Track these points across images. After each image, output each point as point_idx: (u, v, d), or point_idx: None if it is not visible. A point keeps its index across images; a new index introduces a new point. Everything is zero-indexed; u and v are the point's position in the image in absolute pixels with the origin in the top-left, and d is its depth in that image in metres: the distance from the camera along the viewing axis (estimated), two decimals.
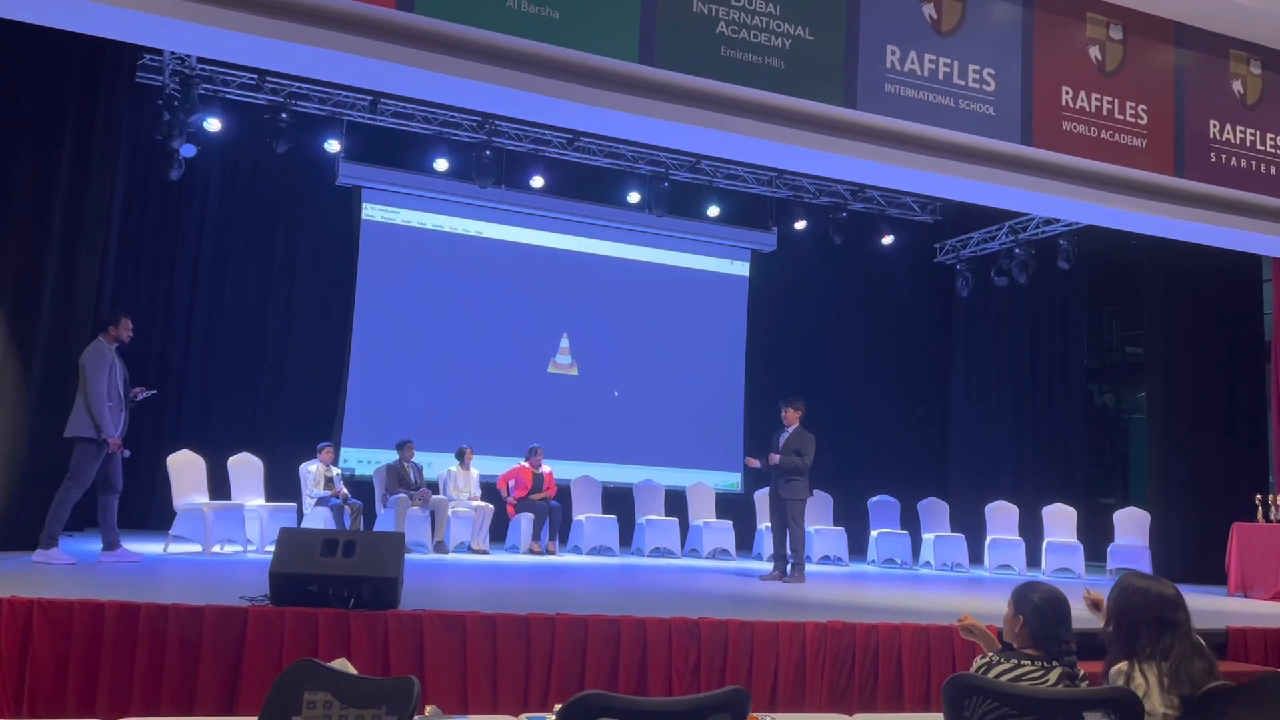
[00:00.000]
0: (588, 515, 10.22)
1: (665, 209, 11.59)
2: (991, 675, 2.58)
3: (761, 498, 10.92)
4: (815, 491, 11.09)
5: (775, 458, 8.18)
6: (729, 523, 10.47)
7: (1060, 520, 10.86)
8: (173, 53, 9.22)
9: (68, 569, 6.21)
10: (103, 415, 6.61)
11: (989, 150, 6.42)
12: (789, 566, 8.16)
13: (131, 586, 5.29)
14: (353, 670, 2.51)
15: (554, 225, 12.07)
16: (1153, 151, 6.69)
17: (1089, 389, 14.70)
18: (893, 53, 6.06)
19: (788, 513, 8.16)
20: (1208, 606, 7.72)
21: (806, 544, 10.63)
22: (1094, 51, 6.60)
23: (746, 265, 13.01)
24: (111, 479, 6.89)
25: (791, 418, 8.27)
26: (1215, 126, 6.83)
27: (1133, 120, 6.65)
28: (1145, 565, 10.47)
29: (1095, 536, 11.06)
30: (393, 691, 2.21)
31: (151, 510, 9.34)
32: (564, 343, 12.05)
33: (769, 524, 8.73)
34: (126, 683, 4.08)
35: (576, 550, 10.11)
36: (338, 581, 4.44)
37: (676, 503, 10.74)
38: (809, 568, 10.10)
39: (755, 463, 8.34)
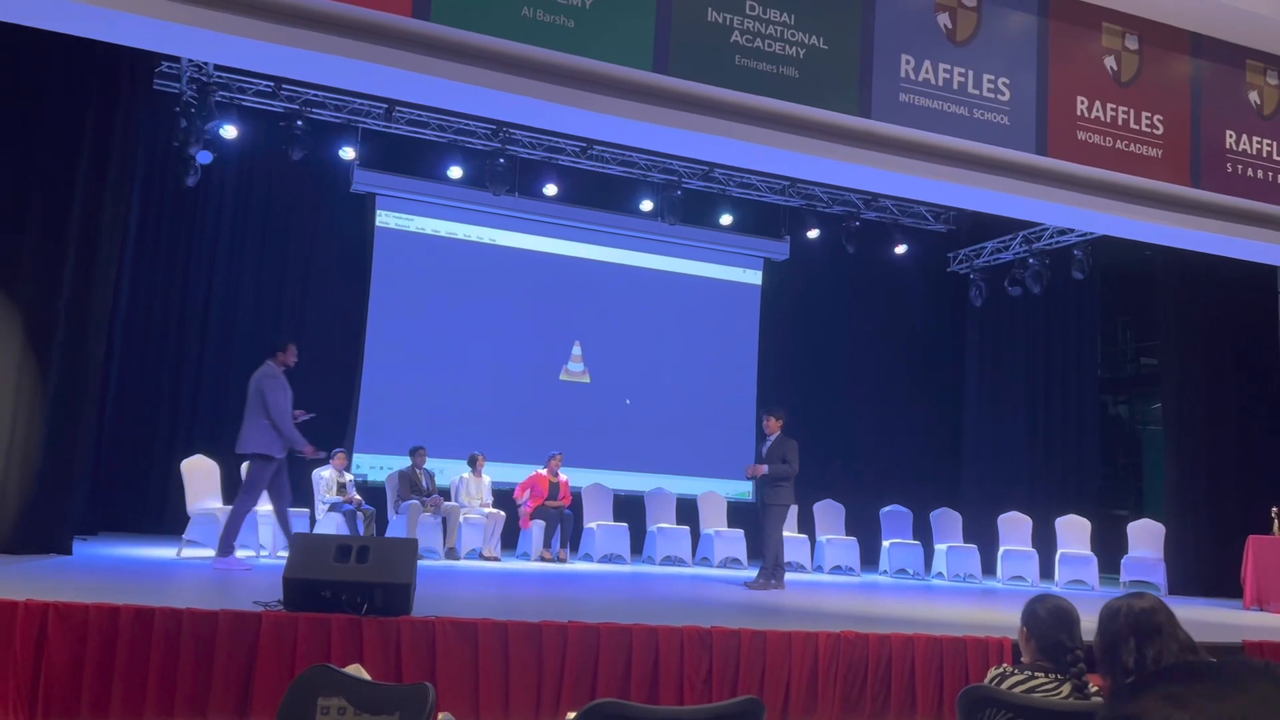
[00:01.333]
0: (599, 523, 10.21)
1: (678, 217, 11.60)
2: (1005, 686, 2.57)
3: None
4: (827, 500, 11.14)
5: (763, 468, 8.27)
6: (740, 531, 10.46)
7: (1074, 532, 10.80)
8: (190, 60, 9.28)
9: (246, 574, 6.68)
10: (291, 431, 7.18)
11: (1003, 160, 6.41)
12: (758, 572, 8.21)
13: (146, 591, 5.32)
14: (366, 676, 2.52)
15: (567, 233, 12.09)
16: (1168, 162, 6.66)
17: (1103, 400, 14.64)
18: (907, 62, 6.06)
19: (764, 519, 8.29)
20: (1223, 620, 7.66)
21: (819, 553, 10.69)
22: (1110, 61, 6.58)
23: (759, 274, 13.01)
24: (282, 491, 7.37)
25: (773, 426, 8.42)
26: (1231, 137, 6.80)
27: (1148, 130, 6.63)
28: (1160, 578, 10.41)
29: (1109, 548, 11.00)
30: (407, 697, 2.22)
31: (165, 515, 9.38)
32: (576, 350, 12.06)
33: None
34: (140, 686, 4.09)
35: (588, 558, 10.10)
36: (351, 587, 4.45)
37: (688, 511, 10.73)
38: (822, 578, 10.10)
39: (762, 469, 8.34)
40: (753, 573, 8.53)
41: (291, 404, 7.28)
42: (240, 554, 7.40)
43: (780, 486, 8.26)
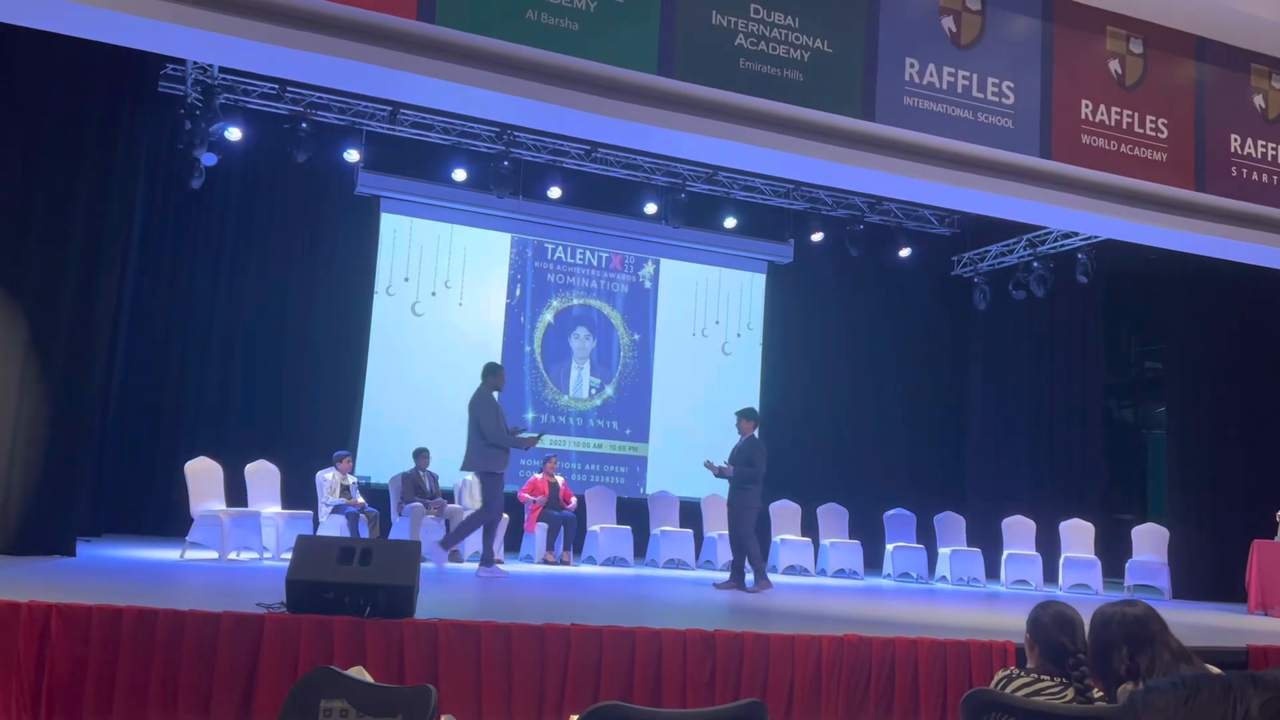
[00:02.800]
0: (602, 526, 10.21)
1: (682, 220, 11.60)
2: (1010, 689, 2.56)
3: (778, 509, 10.91)
4: (831, 504, 11.13)
5: (730, 469, 8.28)
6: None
7: (1078, 536, 10.78)
8: (195, 63, 9.30)
9: (506, 582, 7.43)
10: (508, 441, 7.72)
11: (1008, 163, 6.40)
12: (729, 575, 8.25)
13: (149, 592, 5.32)
14: (369, 679, 2.52)
15: (571, 235, 12.10)
16: (1173, 165, 6.66)
17: (1107, 404, 14.60)
18: (911, 65, 6.06)
19: (731, 519, 8.33)
20: (1228, 625, 7.64)
21: (823, 557, 10.68)
22: (1114, 65, 6.58)
23: (763, 277, 13.00)
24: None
25: (745, 428, 8.45)
26: (1236, 141, 6.80)
27: (1153, 134, 6.62)
28: (1164, 582, 10.39)
29: (1113, 552, 10.98)
30: (409, 700, 2.21)
31: (169, 517, 9.39)
32: (581, 372, 12.08)
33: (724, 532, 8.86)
34: (143, 688, 4.09)
35: (591, 561, 10.09)
36: (354, 589, 4.44)
37: (691, 514, 10.72)
38: (825, 581, 10.09)
39: (714, 468, 8.34)
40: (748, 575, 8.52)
41: (504, 420, 7.86)
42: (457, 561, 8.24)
43: (747, 489, 8.29)
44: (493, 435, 7.61)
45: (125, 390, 9.51)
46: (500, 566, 7.84)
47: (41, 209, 7.30)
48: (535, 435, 8.18)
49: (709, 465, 8.37)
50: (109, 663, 4.08)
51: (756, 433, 8.58)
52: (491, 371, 7.94)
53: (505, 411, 11.13)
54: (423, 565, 7.02)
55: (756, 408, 12.46)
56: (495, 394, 7.86)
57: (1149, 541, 10.64)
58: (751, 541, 8.24)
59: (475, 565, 9.04)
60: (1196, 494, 10.88)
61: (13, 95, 7.31)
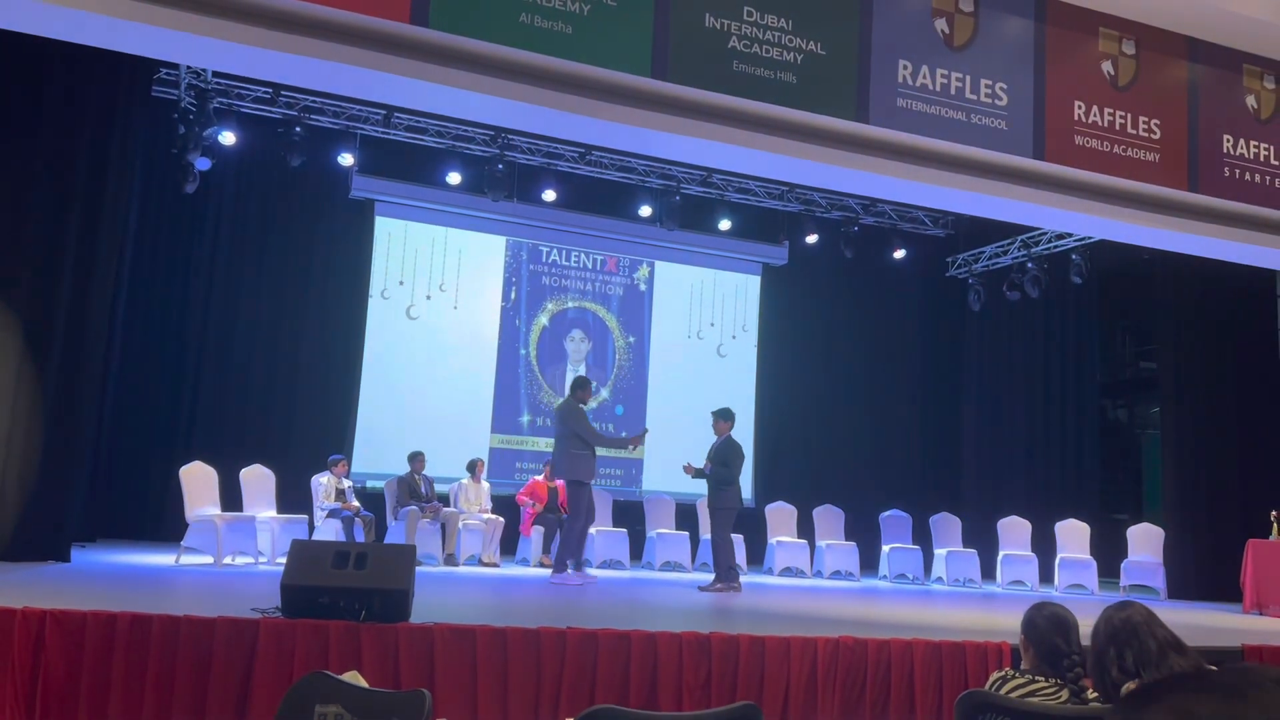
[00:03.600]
0: (598, 529, 10.19)
1: (677, 223, 11.61)
2: (1005, 690, 2.57)
3: (773, 511, 10.91)
4: (827, 506, 11.14)
5: (708, 467, 8.30)
6: (740, 537, 10.40)
7: (1073, 536, 10.79)
8: (188, 67, 9.29)
9: (579, 589, 7.53)
10: (608, 439, 8.28)
11: (1001, 165, 6.42)
12: (714, 578, 8.21)
13: (144, 598, 5.31)
14: (364, 683, 2.51)
15: (566, 238, 12.11)
16: (1166, 166, 6.67)
17: (1102, 404, 14.63)
18: (905, 67, 6.07)
19: (713, 522, 8.33)
20: (1223, 624, 7.65)
21: (819, 558, 10.68)
22: (1107, 66, 6.60)
23: (758, 279, 13.01)
24: (590, 511, 8.28)
25: (721, 429, 8.45)
26: (1229, 141, 6.81)
27: (1146, 135, 6.64)
28: (1159, 582, 10.41)
29: (1109, 553, 10.99)
30: (404, 704, 2.21)
31: (164, 521, 9.37)
32: (576, 354, 12.08)
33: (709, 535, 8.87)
34: (138, 694, 4.08)
35: (587, 563, 10.07)
36: (349, 594, 4.44)
37: (687, 516, 10.72)
38: (821, 583, 10.09)
39: (691, 470, 8.35)
40: (755, 578, 8.54)
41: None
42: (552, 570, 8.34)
43: (725, 490, 8.30)
44: (594, 439, 8.11)
45: (120, 395, 9.48)
46: (571, 572, 8.00)
47: (36, 214, 7.28)
48: (638, 434, 8.39)
49: (687, 468, 8.36)
50: (104, 669, 4.08)
51: (732, 434, 8.56)
52: (580, 385, 8.35)
53: (502, 413, 11.29)
54: (574, 584, 7.71)
55: (752, 410, 12.55)
56: (583, 406, 8.24)
57: (1144, 541, 10.65)
58: (727, 544, 8.22)
59: (473, 568, 9.05)
60: (1191, 494, 10.90)
61: (4, 101, 7.30)
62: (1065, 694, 2.56)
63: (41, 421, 7.18)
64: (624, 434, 8.25)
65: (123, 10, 4.66)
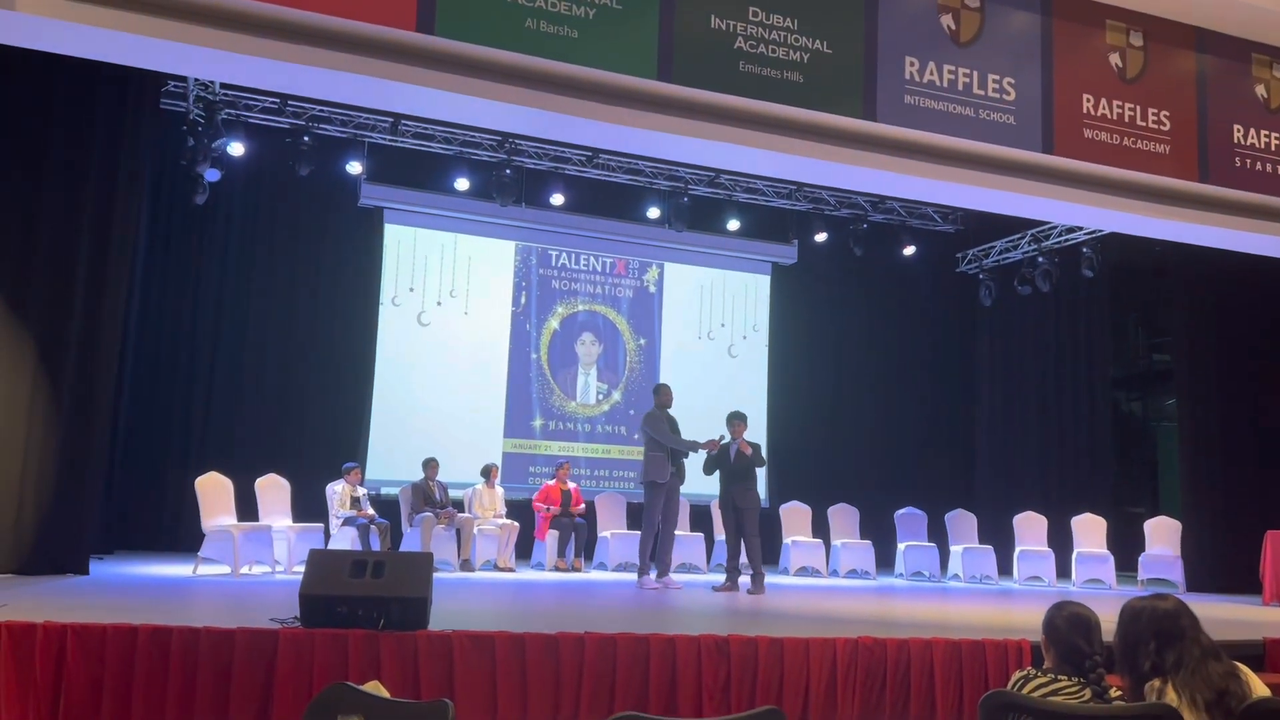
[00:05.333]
0: (613, 532, 10.20)
1: (685, 224, 11.60)
2: (1028, 690, 2.55)
3: (788, 511, 10.89)
4: (841, 504, 11.12)
5: (748, 449, 8.30)
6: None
7: (1090, 531, 10.74)
8: (196, 79, 9.33)
9: (659, 593, 7.70)
10: (685, 444, 8.28)
11: (1010, 160, 6.40)
12: (751, 578, 8.19)
13: (163, 610, 5.33)
14: (385, 693, 2.51)
15: (575, 242, 12.11)
16: (1176, 157, 6.64)
17: (1116, 397, 14.57)
18: (911, 64, 6.06)
19: (744, 523, 8.28)
20: (1243, 617, 7.61)
21: (834, 557, 10.66)
22: (1114, 59, 6.57)
23: (768, 279, 13.00)
24: (669, 515, 8.28)
25: (739, 430, 8.45)
26: (1239, 131, 6.78)
27: (1155, 126, 6.61)
28: (1177, 575, 10.35)
29: (1126, 546, 10.94)
30: (426, 714, 2.21)
31: (180, 533, 9.41)
32: (587, 357, 12.09)
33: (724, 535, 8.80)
34: (159, 706, 4.09)
35: (602, 567, 10.09)
36: (367, 602, 4.44)
37: (702, 518, 10.71)
38: (837, 582, 10.07)
39: (747, 448, 8.34)
40: (771, 578, 8.52)
41: (674, 429, 8.35)
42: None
43: (751, 490, 8.35)
44: (672, 443, 8.22)
45: (134, 408, 9.53)
46: (648, 577, 8.17)
47: (47, 230, 7.32)
48: (710, 441, 8.36)
49: (743, 445, 8.31)
50: (125, 682, 4.09)
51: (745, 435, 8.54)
52: (656, 391, 8.60)
53: (515, 418, 11.31)
54: (651, 588, 7.87)
55: (764, 409, 12.53)
56: (660, 410, 8.38)
57: (1162, 535, 10.60)
58: (748, 545, 8.26)
59: (489, 574, 9.07)
60: (1208, 486, 10.83)
61: (16, 117, 7.34)
62: (1088, 694, 2.55)
63: (58, 436, 7.21)
64: (697, 440, 8.29)
65: (130, 25, 4.68)
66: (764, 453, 8.60)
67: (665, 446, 8.19)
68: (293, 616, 4.53)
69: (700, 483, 9.07)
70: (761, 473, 8.92)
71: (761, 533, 8.47)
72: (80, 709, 4.04)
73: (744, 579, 8.31)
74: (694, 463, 8.54)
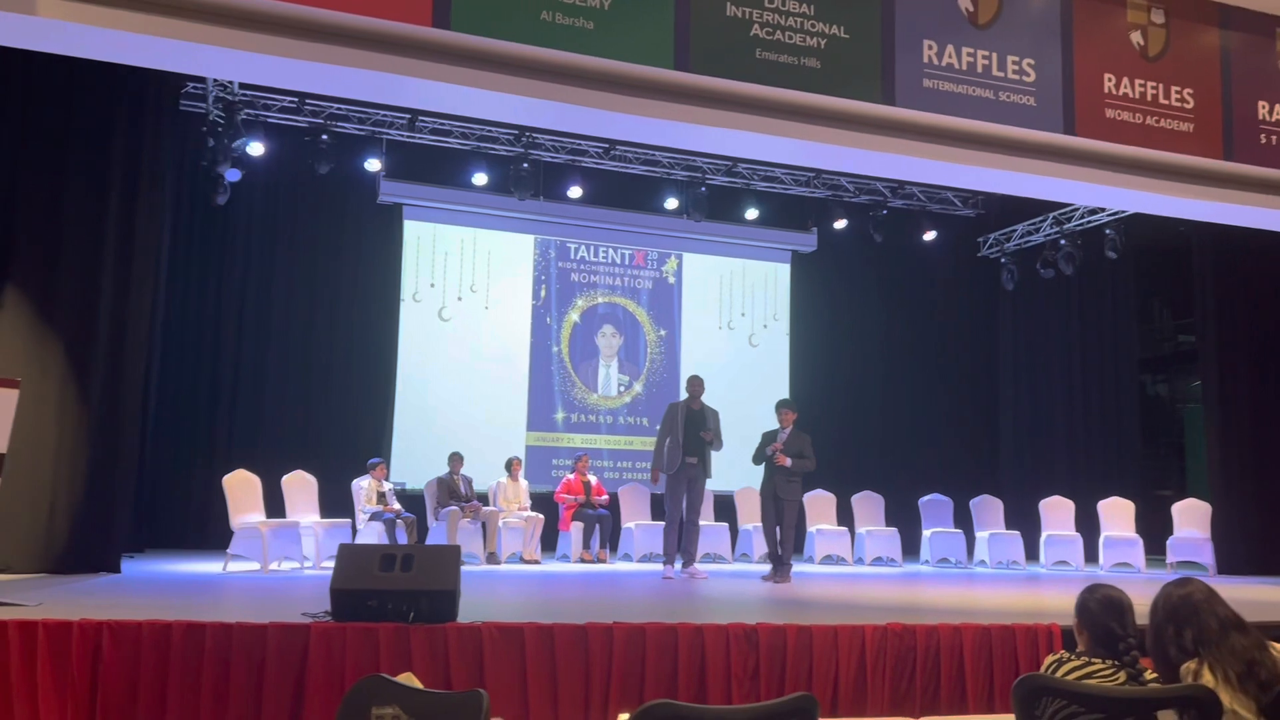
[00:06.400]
0: (637, 523, 10.22)
1: (703, 214, 11.58)
2: (1061, 673, 2.54)
3: (812, 499, 10.86)
4: (866, 492, 11.10)
5: (788, 460, 8.24)
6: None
7: (1117, 514, 10.67)
8: (215, 80, 9.38)
9: (685, 583, 7.76)
10: (657, 455, 8.38)
11: (1032, 141, 6.35)
12: (779, 567, 8.21)
13: (195, 606, 5.38)
14: (419, 685, 2.53)
15: (593, 234, 12.12)
16: (1200, 135, 6.57)
17: (1141, 379, 14.45)
18: (929, 47, 6.02)
19: (785, 513, 8.27)
20: (1275, 598, 7.54)
21: (859, 545, 10.64)
22: (1136, 37, 6.50)
23: (787, 267, 12.96)
24: (693, 501, 8.30)
25: (788, 419, 8.43)
26: (1264, 107, 6.70)
27: (1178, 105, 6.54)
28: (1207, 558, 10.27)
29: (1154, 530, 10.86)
30: (461, 705, 2.23)
31: (209, 530, 9.49)
32: (611, 370, 12.10)
33: (759, 524, 8.84)
34: (194, 701, 4.14)
35: (627, 558, 10.11)
36: (397, 596, 4.48)
37: (725, 508, 10.71)
38: (863, 570, 10.06)
39: (786, 461, 8.29)
40: (796, 567, 8.51)
41: (684, 425, 8.30)
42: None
43: (795, 482, 8.32)
44: (667, 434, 8.31)
45: (161, 407, 9.61)
46: (674, 569, 8.27)
47: (72, 233, 7.39)
48: (655, 470, 8.52)
49: (778, 453, 8.27)
50: (160, 678, 4.14)
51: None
52: (687, 383, 8.63)
53: (537, 411, 11.32)
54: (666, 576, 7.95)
55: (788, 397, 12.48)
56: (687, 403, 8.43)
57: (1191, 517, 10.51)
58: (785, 535, 8.25)
59: (515, 566, 9.11)
60: (1237, 466, 10.72)
61: (39, 123, 7.40)
62: (1123, 676, 2.53)
63: (88, 436, 7.30)
64: (703, 432, 8.26)
65: (150, 28, 4.71)
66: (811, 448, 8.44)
67: (678, 437, 8.19)
68: (323, 611, 4.57)
69: (723, 474, 9.08)
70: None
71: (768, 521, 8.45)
72: (117, 704, 4.09)
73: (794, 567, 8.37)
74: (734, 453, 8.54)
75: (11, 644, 4.04)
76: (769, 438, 8.43)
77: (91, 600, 5.49)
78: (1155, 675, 2.57)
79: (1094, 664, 2.56)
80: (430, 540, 9.19)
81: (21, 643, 4.05)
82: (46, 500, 7.07)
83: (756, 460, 8.46)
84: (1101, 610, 2.67)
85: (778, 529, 8.27)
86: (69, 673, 4.07)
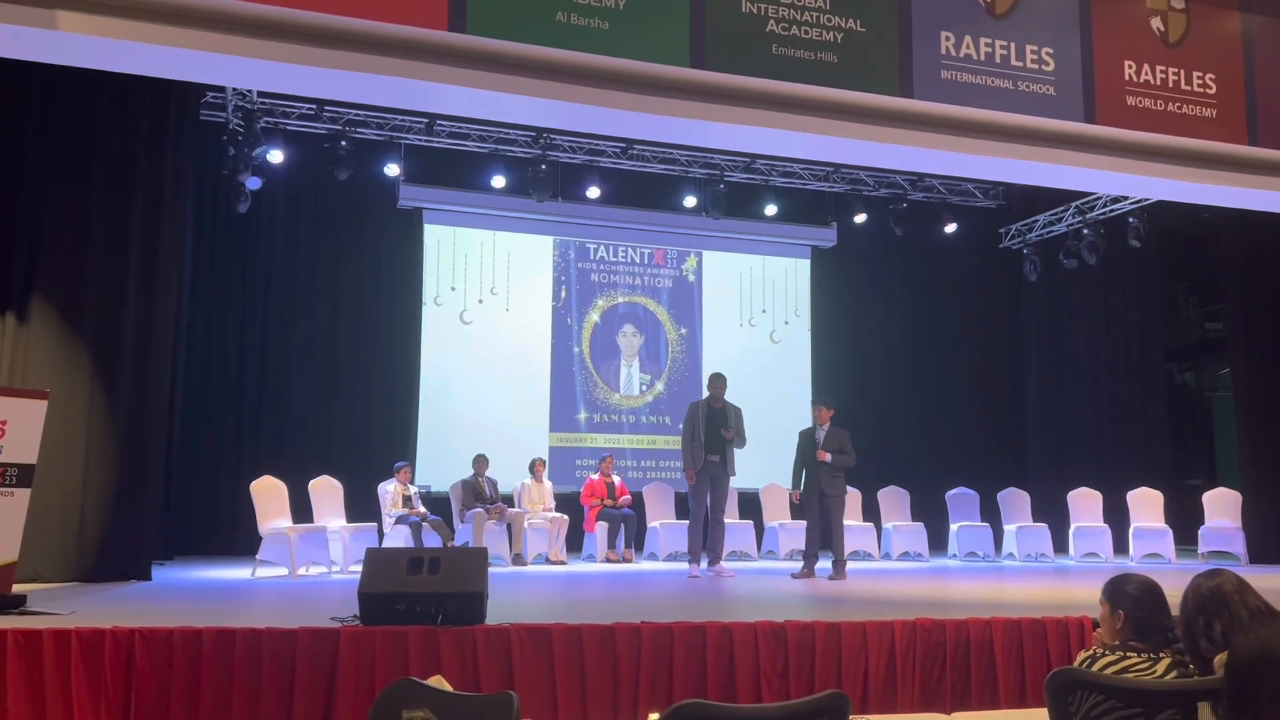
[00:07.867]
0: (662, 522, 10.21)
1: (722, 211, 11.55)
2: (1097, 669, 2.52)
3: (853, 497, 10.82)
4: (891, 487, 11.05)
5: (827, 456, 8.22)
6: (804, 523, 10.36)
7: (1146, 505, 10.57)
8: (235, 89, 9.45)
9: (712, 581, 7.75)
10: (685, 454, 8.29)
11: (1052, 131, 6.31)
12: (832, 564, 8.21)
13: (225, 612, 5.43)
14: (449, 688, 2.53)
15: (612, 234, 12.12)
16: (1223, 121, 6.51)
17: (1168, 368, 14.31)
18: (947, 39, 5.99)
19: (832, 510, 8.26)
20: None
21: (886, 540, 10.60)
22: (1155, 23, 6.44)
23: (808, 262, 12.91)
24: (716, 500, 8.28)
25: (824, 416, 8.44)
26: None
27: (1200, 90, 6.47)
28: (1239, 547, 10.16)
29: (1184, 520, 10.75)
30: (492, 707, 2.23)
31: (237, 536, 9.56)
32: (629, 349, 12.11)
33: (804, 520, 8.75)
34: (226, 707, 4.17)
35: (653, 557, 10.11)
36: (425, 599, 4.49)
37: (751, 505, 10.69)
38: (890, 565, 10.01)
39: (826, 456, 8.26)
40: (824, 563, 8.48)
41: (706, 423, 8.28)
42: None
43: (838, 478, 8.33)
44: (688, 432, 8.31)
45: (187, 415, 9.69)
46: (699, 567, 8.24)
47: (97, 243, 7.45)
48: (689, 469, 8.33)
49: (820, 454, 8.29)
50: (192, 684, 4.17)
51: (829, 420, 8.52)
52: (709, 381, 8.61)
53: (560, 412, 11.34)
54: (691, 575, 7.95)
55: (809, 394, 12.45)
56: (709, 401, 8.41)
57: (1221, 507, 10.39)
58: (834, 532, 8.24)
59: (541, 567, 9.12)
60: (1268, 455, 10.60)
61: (63, 135, 7.48)
62: (1161, 667, 2.51)
63: (116, 446, 7.36)
64: (725, 430, 8.23)
65: (169, 39, 4.75)
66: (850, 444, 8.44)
67: (700, 436, 8.17)
68: (352, 615, 4.59)
69: (746, 471, 9.07)
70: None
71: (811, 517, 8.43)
72: (151, 711, 4.12)
73: (821, 565, 8.31)
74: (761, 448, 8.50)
75: (46, 653, 4.08)
76: (805, 436, 8.42)
77: (123, 608, 5.54)
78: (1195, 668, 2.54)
79: (1130, 658, 2.53)
80: (456, 543, 9.22)
81: (56, 651, 4.09)
82: (76, 509, 7.14)
83: (796, 474, 8.45)
84: (1145, 597, 2.64)
85: (818, 529, 8.28)
86: (103, 680, 4.11)
